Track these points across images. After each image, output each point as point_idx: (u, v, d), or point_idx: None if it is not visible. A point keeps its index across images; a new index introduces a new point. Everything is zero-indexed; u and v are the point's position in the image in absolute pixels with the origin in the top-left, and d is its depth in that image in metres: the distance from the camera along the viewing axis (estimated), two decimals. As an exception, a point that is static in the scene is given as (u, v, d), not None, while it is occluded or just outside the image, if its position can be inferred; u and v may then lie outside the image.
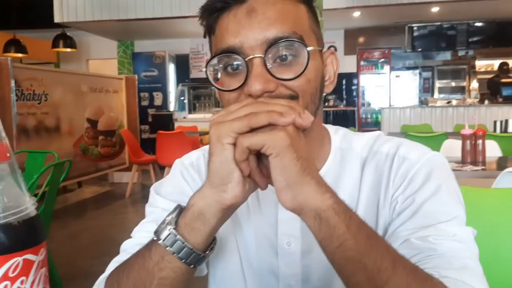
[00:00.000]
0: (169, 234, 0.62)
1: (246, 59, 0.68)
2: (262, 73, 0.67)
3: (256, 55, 0.67)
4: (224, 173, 0.58)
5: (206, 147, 0.91)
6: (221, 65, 0.72)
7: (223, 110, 0.59)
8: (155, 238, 0.63)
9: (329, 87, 0.78)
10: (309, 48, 0.69)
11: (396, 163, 0.77)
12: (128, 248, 0.77)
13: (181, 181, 0.86)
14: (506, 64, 8.51)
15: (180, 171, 0.88)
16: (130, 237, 0.82)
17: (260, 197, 0.82)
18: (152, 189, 0.87)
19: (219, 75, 0.73)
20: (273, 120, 0.55)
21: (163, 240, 0.62)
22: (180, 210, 0.64)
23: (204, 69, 0.76)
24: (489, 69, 9.04)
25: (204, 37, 0.77)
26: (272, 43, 0.67)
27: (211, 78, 0.73)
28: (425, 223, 0.69)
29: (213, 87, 0.76)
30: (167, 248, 0.61)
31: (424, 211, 0.71)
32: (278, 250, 0.80)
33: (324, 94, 0.78)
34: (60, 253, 3.74)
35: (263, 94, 0.67)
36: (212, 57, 0.72)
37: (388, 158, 0.79)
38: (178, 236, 0.61)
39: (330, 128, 0.85)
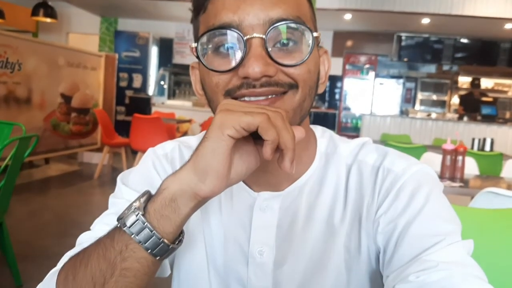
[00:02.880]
0: (136, 221, 0.56)
1: (245, 38, 0.60)
2: (262, 55, 0.60)
3: (256, 35, 0.60)
4: (211, 162, 0.54)
5: (182, 139, 0.84)
6: (210, 45, 0.63)
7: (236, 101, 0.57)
8: (119, 225, 0.58)
9: (321, 87, 0.73)
10: (315, 34, 0.63)
11: (381, 176, 0.72)
12: (85, 241, 0.69)
13: (152, 172, 0.79)
14: (478, 79, 8.76)
15: (152, 161, 0.80)
16: (89, 230, 0.74)
17: (234, 195, 0.76)
18: (118, 179, 0.79)
19: (205, 57, 0.64)
20: (282, 142, 0.54)
21: (129, 227, 0.56)
22: (149, 196, 0.59)
23: (194, 45, 0.64)
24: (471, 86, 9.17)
25: (191, 21, 0.68)
26: (275, 24, 0.60)
27: (200, 55, 0.64)
28: (411, 253, 0.62)
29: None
30: (133, 236, 0.56)
31: (408, 239, 0.64)
32: (249, 258, 0.74)
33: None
34: (18, 230, 3.58)
35: (261, 79, 0.60)
36: (203, 33, 0.63)
37: (373, 170, 0.73)
38: (146, 224, 0.56)
39: (316, 129, 0.80)
